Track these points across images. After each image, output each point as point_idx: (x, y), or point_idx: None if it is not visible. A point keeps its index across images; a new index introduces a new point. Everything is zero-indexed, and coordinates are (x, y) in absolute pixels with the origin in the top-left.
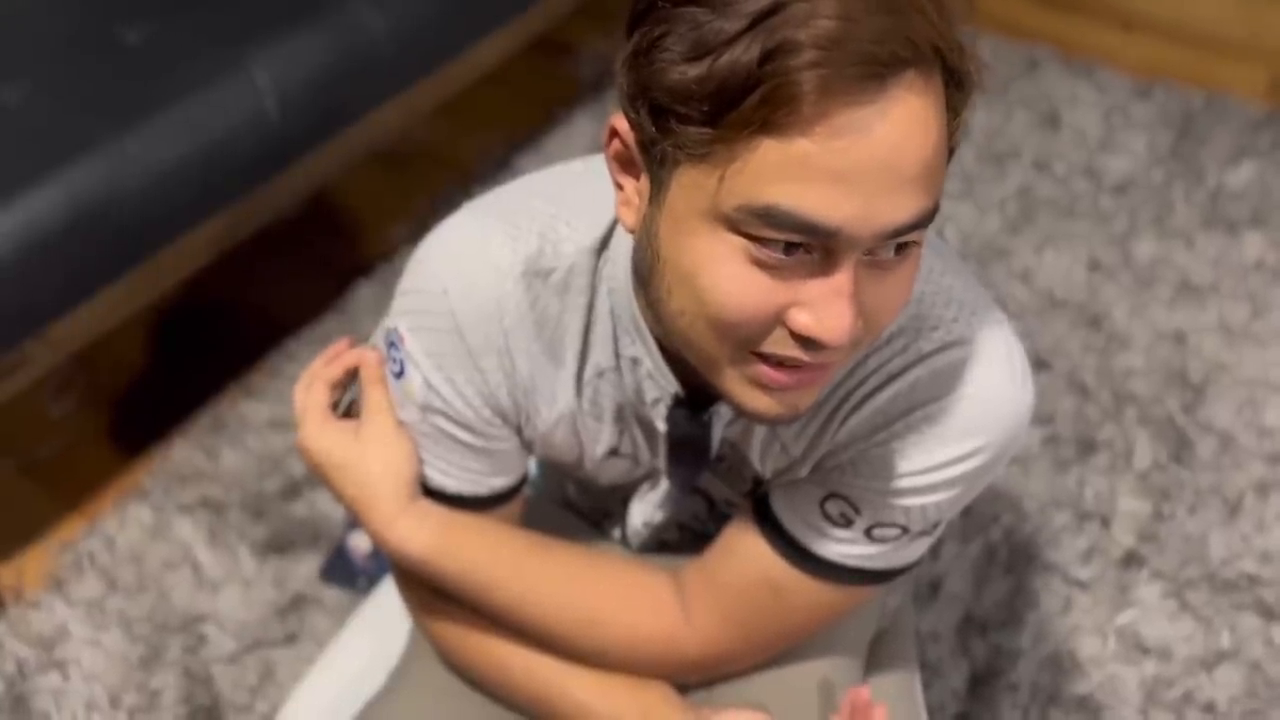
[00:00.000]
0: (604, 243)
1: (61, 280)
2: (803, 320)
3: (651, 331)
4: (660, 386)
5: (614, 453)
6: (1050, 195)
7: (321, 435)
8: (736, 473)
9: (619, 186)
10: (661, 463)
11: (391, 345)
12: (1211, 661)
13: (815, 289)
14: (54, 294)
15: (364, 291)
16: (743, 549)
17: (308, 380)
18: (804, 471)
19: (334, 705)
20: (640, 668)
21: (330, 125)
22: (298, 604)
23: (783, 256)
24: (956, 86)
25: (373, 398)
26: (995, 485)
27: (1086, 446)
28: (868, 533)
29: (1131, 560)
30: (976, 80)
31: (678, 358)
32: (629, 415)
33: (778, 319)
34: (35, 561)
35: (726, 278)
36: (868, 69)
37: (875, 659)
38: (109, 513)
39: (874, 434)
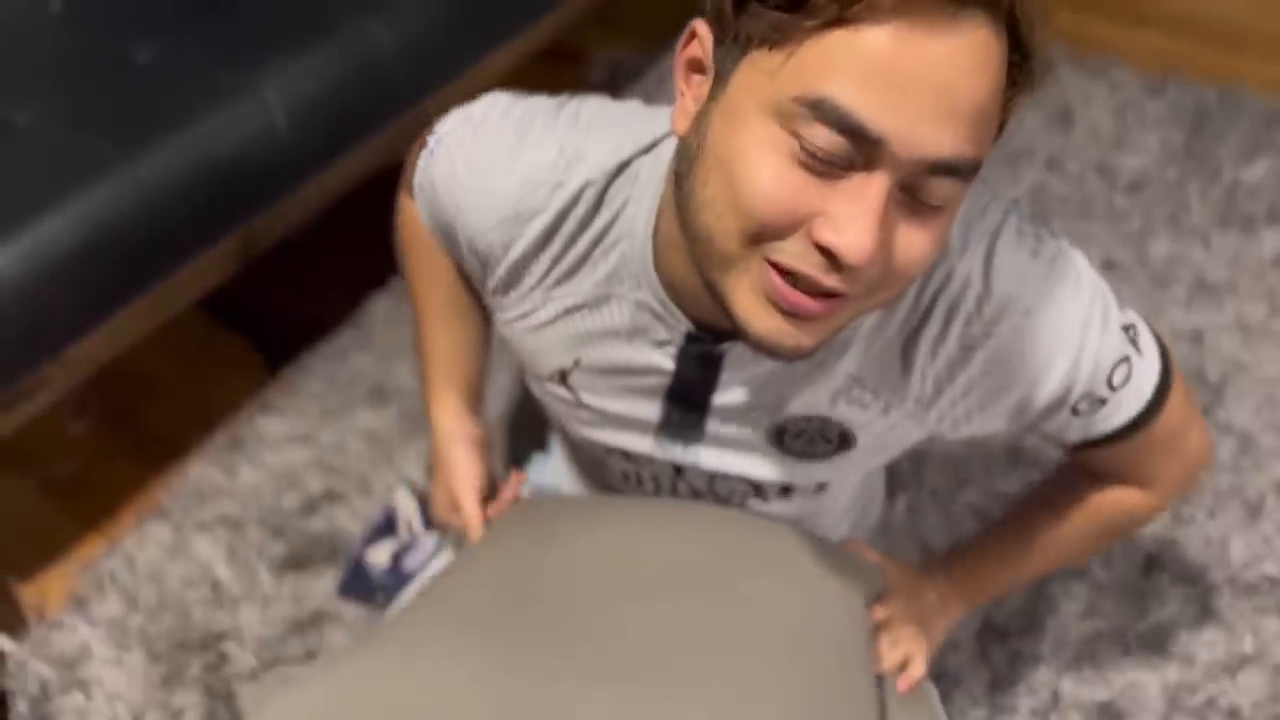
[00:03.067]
0: (618, 170)
1: (76, 303)
2: (826, 233)
3: (663, 277)
4: (671, 327)
5: (562, 379)
6: (1064, 194)
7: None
8: (819, 435)
9: (680, 94)
10: (607, 407)
11: (437, 139)
12: (1234, 666)
13: (846, 202)
14: (69, 316)
15: (379, 305)
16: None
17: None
18: (924, 413)
19: None
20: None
21: (341, 142)
22: (317, 620)
23: (822, 153)
24: (1021, 56)
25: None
26: (1012, 492)
27: None
28: (1102, 400)
29: (1152, 565)
30: (1041, 68)
31: (687, 302)
32: (593, 345)
33: (802, 223)
34: (57, 581)
35: (765, 168)
36: None
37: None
38: (129, 532)
39: (964, 360)
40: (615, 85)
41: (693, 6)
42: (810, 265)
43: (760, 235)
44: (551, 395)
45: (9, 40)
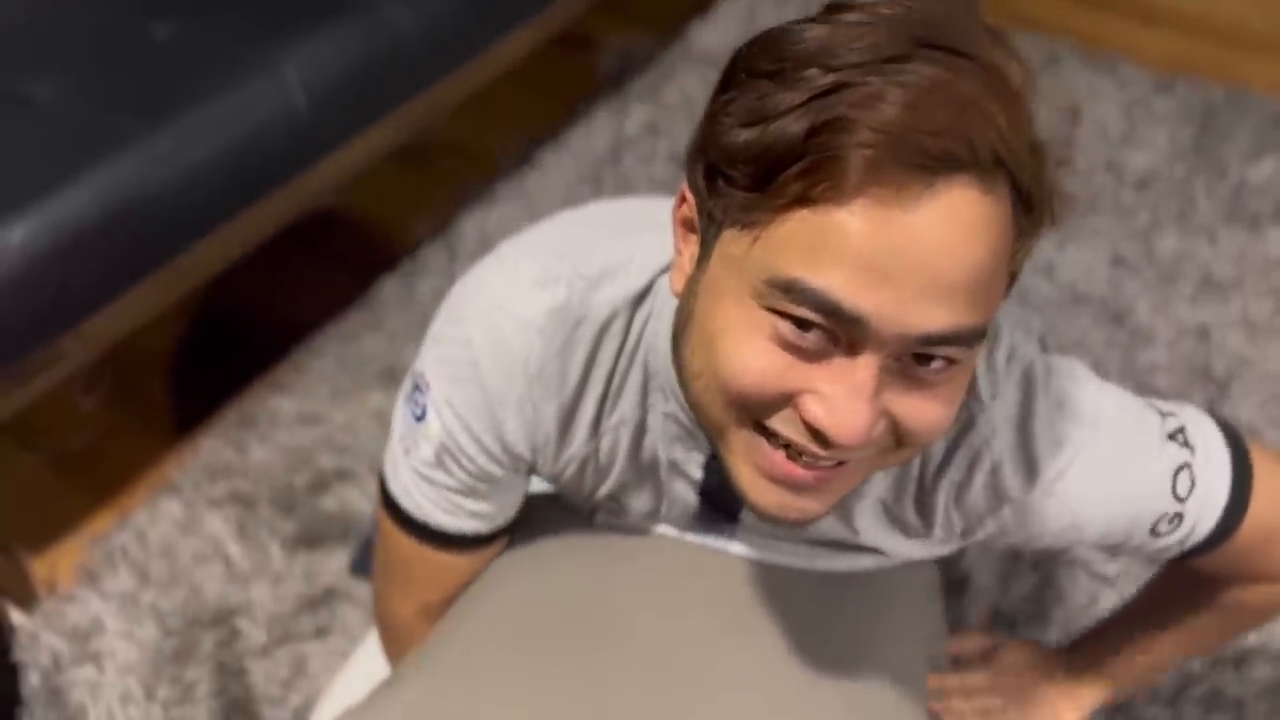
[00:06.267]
0: (641, 296)
1: (95, 277)
2: (815, 412)
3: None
4: (695, 445)
5: (614, 498)
6: (1071, 190)
7: None
8: (851, 546)
9: (678, 251)
10: (663, 509)
11: (416, 389)
12: (1239, 658)
13: (834, 382)
14: (87, 291)
15: (388, 286)
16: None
17: None
18: (949, 541)
19: None
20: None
21: (359, 121)
22: (328, 597)
23: (802, 334)
24: (1025, 208)
25: None
26: None
27: None
28: (1179, 518)
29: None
30: (1053, 210)
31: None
32: (644, 465)
33: (790, 398)
34: (68, 555)
35: (745, 348)
36: (918, 159)
37: None
38: (140, 507)
39: (993, 510)
40: (624, 73)
41: None
42: (801, 435)
43: (746, 410)
44: (599, 514)
45: (29, 15)
